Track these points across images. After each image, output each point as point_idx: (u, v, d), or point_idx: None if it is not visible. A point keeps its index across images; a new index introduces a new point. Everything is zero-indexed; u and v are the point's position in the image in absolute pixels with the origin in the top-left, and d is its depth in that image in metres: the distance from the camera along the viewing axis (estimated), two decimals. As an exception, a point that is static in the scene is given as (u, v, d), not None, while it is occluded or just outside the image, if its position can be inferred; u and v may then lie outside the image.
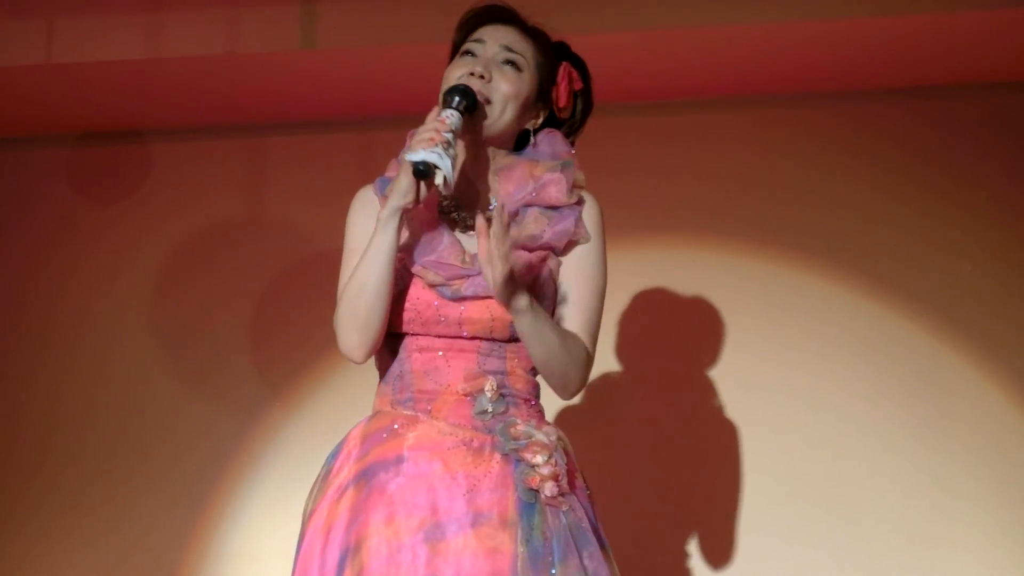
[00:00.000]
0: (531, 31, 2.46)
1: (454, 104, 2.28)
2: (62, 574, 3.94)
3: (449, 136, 2.23)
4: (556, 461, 2.25)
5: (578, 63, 2.52)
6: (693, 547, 3.81)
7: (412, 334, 2.33)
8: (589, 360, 2.33)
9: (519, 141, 2.46)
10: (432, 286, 2.30)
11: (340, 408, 3.90)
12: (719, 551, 3.80)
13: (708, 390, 3.88)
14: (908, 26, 3.64)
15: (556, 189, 2.36)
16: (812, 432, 3.84)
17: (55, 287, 4.12)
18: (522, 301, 2.23)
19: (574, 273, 2.37)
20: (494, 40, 2.41)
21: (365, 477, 2.26)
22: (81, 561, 3.93)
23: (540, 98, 2.45)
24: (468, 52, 2.41)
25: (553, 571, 2.19)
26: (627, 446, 3.88)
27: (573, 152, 2.45)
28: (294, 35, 3.71)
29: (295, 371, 3.96)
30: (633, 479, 3.85)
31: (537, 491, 2.23)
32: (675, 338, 3.92)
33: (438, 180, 2.21)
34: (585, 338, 2.34)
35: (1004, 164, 3.94)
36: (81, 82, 3.84)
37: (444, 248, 2.31)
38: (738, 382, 3.87)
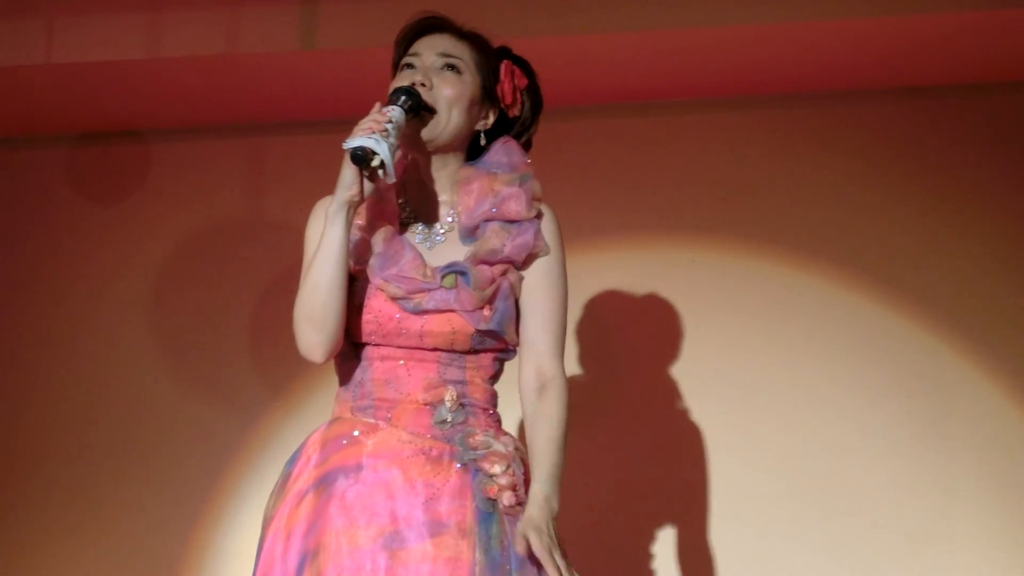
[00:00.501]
0: (466, 35, 2.47)
1: (399, 102, 2.30)
2: (62, 574, 3.94)
3: (389, 127, 2.25)
4: (514, 471, 2.29)
5: (520, 62, 2.53)
6: (693, 547, 3.81)
7: (373, 344, 2.35)
8: (566, 388, 2.38)
9: (474, 149, 2.48)
10: (394, 299, 2.32)
11: (340, 408, 3.91)
12: (719, 551, 3.80)
13: (708, 390, 3.88)
14: (908, 26, 3.64)
15: (516, 204, 2.37)
16: (812, 432, 3.84)
17: (55, 287, 4.12)
18: (546, 493, 2.28)
19: (537, 287, 2.39)
20: (430, 50, 2.43)
21: (325, 483, 2.28)
22: (81, 561, 3.93)
23: (486, 98, 2.45)
24: (407, 66, 2.43)
25: None
26: (627, 446, 3.88)
27: (529, 162, 2.46)
28: (294, 35, 3.71)
29: (295, 371, 3.95)
30: (633, 479, 3.86)
31: (495, 500, 2.27)
32: (675, 338, 3.92)
33: (375, 163, 2.23)
34: (556, 351, 2.38)
35: (1004, 164, 3.94)
36: (81, 82, 3.84)
37: (406, 262, 2.33)
38: (738, 382, 3.88)
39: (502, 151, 2.46)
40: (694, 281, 3.93)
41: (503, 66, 2.48)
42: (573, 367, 3.91)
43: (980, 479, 3.78)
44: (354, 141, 2.24)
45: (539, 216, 2.40)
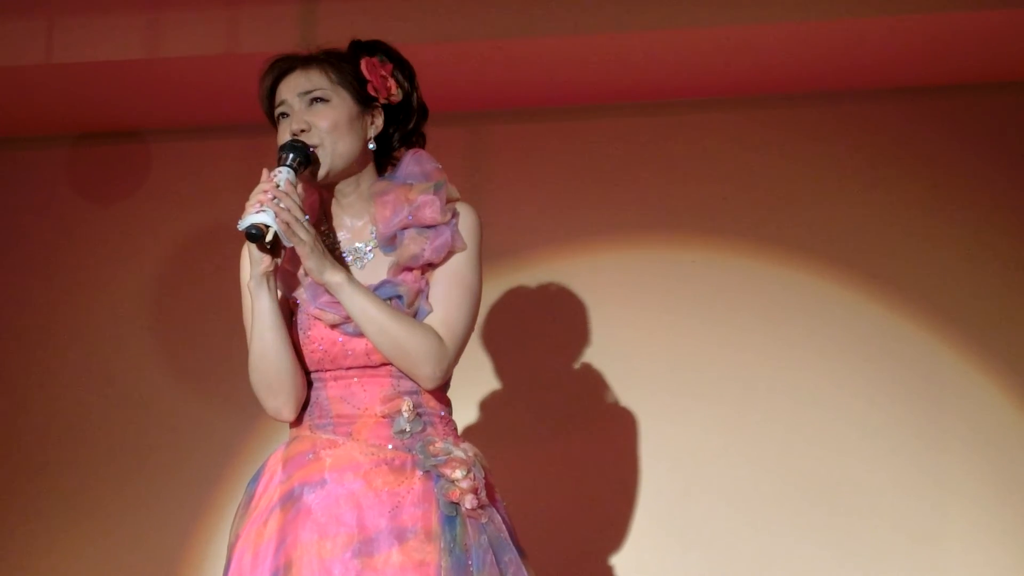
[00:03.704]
0: (314, 61, 2.48)
1: (288, 161, 2.36)
2: (63, 574, 3.94)
3: (280, 191, 2.31)
4: (475, 475, 2.34)
5: (372, 50, 2.52)
6: (693, 546, 3.81)
7: (325, 370, 2.40)
8: (443, 352, 2.36)
9: (382, 157, 2.52)
10: (334, 326, 2.37)
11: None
12: (719, 550, 3.80)
13: (708, 390, 3.88)
14: (908, 26, 3.64)
15: (431, 210, 2.41)
16: (812, 431, 3.84)
17: (55, 287, 4.12)
18: (336, 276, 2.33)
19: (442, 273, 2.42)
20: (291, 93, 2.45)
21: (292, 498, 2.33)
22: (82, 561, 3.93)
23: (364, 105, 2.47)
24: (281, 115, 2.46)
25: None
26: (626, 446, 3.88)
27: (441, 168, 2.49)
28: (294, 35, 3.71)
29: (295, 371, 3.96)
30: (633, 478, 3.85)
31: (458, 504, 2.32)
32: (675, 338, 3.92)
33: (269, 237, 2.31)
34: (441, 330, 2.37)
35: (1004, 164, 3.94)
36: (81, 82, 3.84)
37: None
38: (738, 381, 3.88)
39: (413, 161, 2.50)
40: (694, 281, 3.93)
41: (363, 66, 2.48)
42: (573, 367, 3.91)
43: (979, 478, 3.79)
44: (244, 221, 2.33)
45: (455, 216, 2.44)
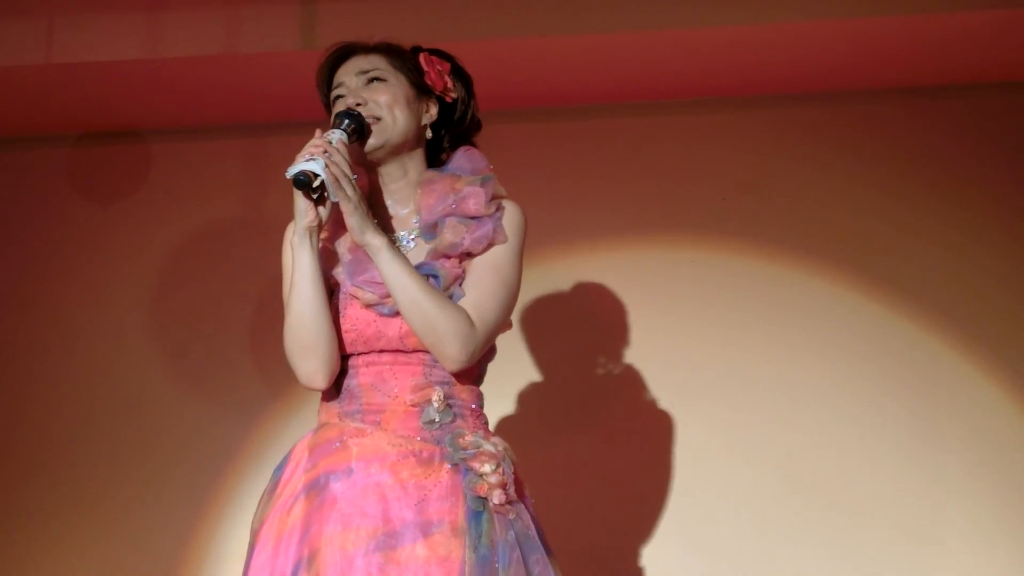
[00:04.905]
0: (374, 48, 2.52)
1: (342, 125, 2.37)
2: (63, 574, 3.94)
3: (330, 147, 2.31)
4: (503, 470, 2.31)
5: (434, 51, 2.57)
6: (693, 546, 3.81)
7: (358, 353, 2.39)
8: (471, 334, 2.33)
9: (434, 154, 2.53)
10: (369, 306, 2.36)
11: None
12: (719, 550, 3.80)
13: (708, 390, 3.88)
14: (908, 26, 3.64)
15: (475, 201, 2.41)
16: (812, 432, 3.84)
17: (55, 287, 4.12)
18: (376, 239, 2.32)
19: (480, 261, 2.40)
20: (349, 74, 2.48)
21: (316, 487, 2.31)
22: (82, 561, 3.93)
23: (420, 92, 2.50)
24: (337, 98, 2.48)
25: None
26: (627, 445, 3.88)
27: (491, 167, 2.50)
28: (294, 35, 3.71)
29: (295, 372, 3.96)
30: (633, 478, 3.86)
31: (485, 499, 2.29)
32: (675, 338, 3.92)
33: (316, 184, 2.30)
34: (472, 313, 2.35)
35: (1004, 164, 3.95)
36: (81, 82, 3.84)
37: (375, 268, 2.36)
38: (738, 382, 3.88)
39: (464, 158, 2.51)
40: (694, 281, 3.93)
41: (421, 58, 2.52)
42: (574, 366, 3.91)
43: (979, 477, 3.79)
44: (294, 168, 2.32)
45: (500, 210, 2.43)
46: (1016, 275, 3.89)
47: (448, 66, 2.55)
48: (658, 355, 3.90)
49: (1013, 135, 3.96)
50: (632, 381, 3.90)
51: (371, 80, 2.46)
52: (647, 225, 3.98)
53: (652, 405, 3.89)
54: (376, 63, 2.48)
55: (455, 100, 2.54)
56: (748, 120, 4.02)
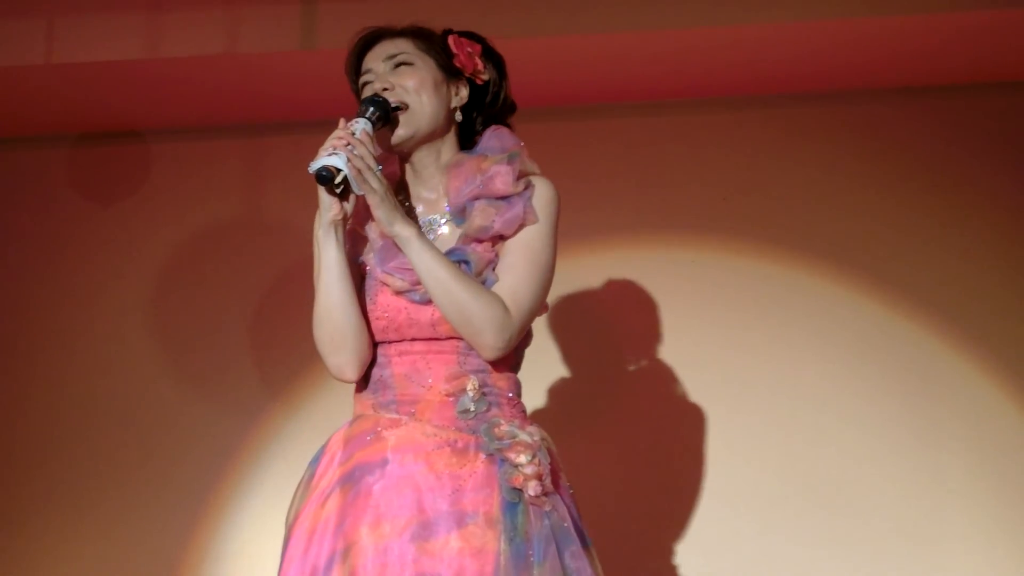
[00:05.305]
0: (401, 32, 2.49)
1: (367, 114, 2.34)
2: (63, 574, 3.93)
3: (355, 139, 2.28)
4: (539, 460, 2.28)
5: (464, 33, 2.54)
6: (693, 546, 3.81)
7: (389, 341, 2.36)
8: (506, 321, 2.30)
9: (465, 135, 2.49)
10: (400, 293, 2.33)
11: (340, 409, 3.87)
12: (719, 550, 3.80)
13: (708, 390, 3.88)
14: (908, 26, 3.64)
15: (501, 181, 2.37)
16: (812, 432, 3.84)
17: (55, 287, 4.12)
18: (406, 229, 2.28)
19: (513, 244, 2.37)
20: (376, 60, 2.46)
21: (351, 480, 2.29)
22: (82, 561, 3.93)
23: (450, 75, 2.47)
24: (364, 84, 2.46)
25: (534, 571, 2.22)
26: (627, 445, 3.88)
27: (521, 144, 2.46)
28: (294, 35, 3.71)
29: (295, 372, 3.96)
30: (633, 478, 3.86)
31: (521, 490, 2.26)
32: (675, 338, 3.92)
33: (339, 180, 2.27)
34: (507, 299, 2.31)
35: (1004, 164, 3.94)
36: (81, 82, 3.83)
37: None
38: (739, 381, 3.88)
39: (493, 137, 2.47)
40: (695, 281, 3.93)
41: (451, 40, 2.49)
42: (573, 366, 3.91)
43: (978, 477, 3.79)
44: (316, 163, 2.28)
45: (529, 188, 2.39)
46: (1016, 275, 3.89)
47: (479, 48, 2.51)
48: (657, 355, 3.90)
49: (1013, 135, 3.96)
50: (631, 381, 3.90)
51: (398, 65, 2.43)
52: (648, 225, 3.98)
53: (651, 405, 3.88)
54: (403, 47, 2.45)
55: (486, 82, 2.50)
56: (748, 120, 4.02)
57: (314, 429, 3.89)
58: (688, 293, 3.93)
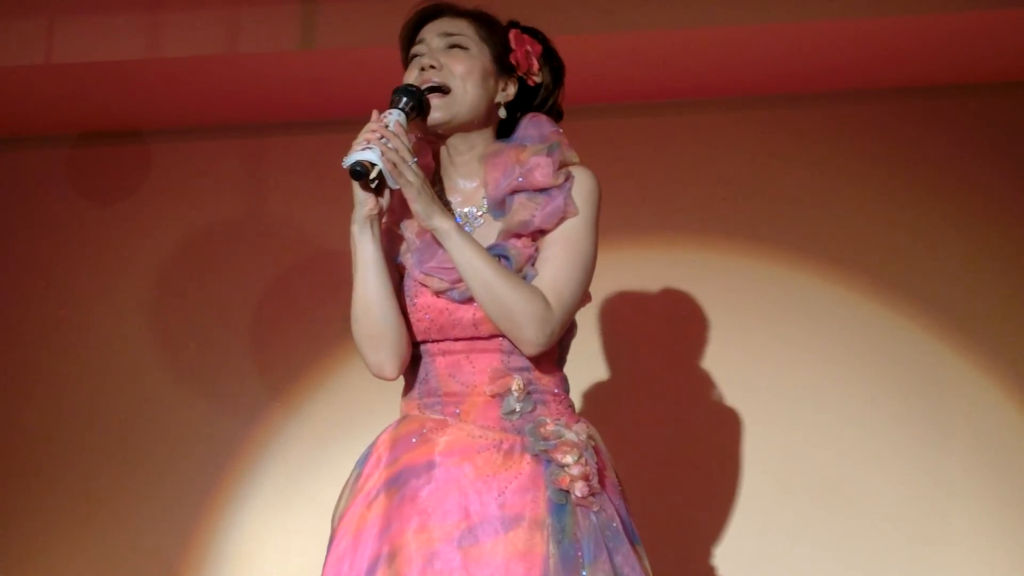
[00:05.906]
0: (466, 13, 2.43)
1: (400, 104, 2.28)
2: (63, 574, 3.93)
3: (389, 131, 2.23)
4: (586, 460, 2.24)
5: (529, 30, 2.49)
6: (693, 547, 3.80)
7: (432, 341, 2.32)
8: (548, 316, 2.26)
9: (505, 130, 2.43)
10: (440, 293, 2.29)
11: (340, 409, 3.91)
12: (719, 550, 3.80)
13: (708, 390, 3.88)
14: (908, 26, 3.64)
15: (541, 173, 2.32)
16: (812, 432, 3.84)
17: (55, 287, 4.12)
18: (445, 222, 2.24)
19: (553, 237, 2.32)
20: (432, 33, 2.39)
21: (396, 484, 2.25)
22: (82, 561, 3.93)
23: (501, 70, 2.41)
24: (414, 56, 2.40)
25: (584, 572, 2.18)
26: (626, 446, 3.86)
27: (560, 132, 2.41)
28: (294, 35, 3.71)
29: (295, 372, 3.96)
30: (633, 478, 3.85)
31: (568, 491, 2.22)
32: (675, 338, 3.92)
33: (373, 175, 2.22)
34: (549, 293, 2.27)
35: (1004, 164, 3.94)
36: (81, 82, 3.83)
37: (444, 252, 2.28)
38: (738, 382, 3.88)
39: (531, 125, 2.41)
40: (696, 281, 3.93)
41: (512, 35, 2.43)
42: (572, 366, 3.90)
43: (979, 478, 3.79)
44: (349, 158, 2.23)
45: (569, 179, 2.34)
46: (1016, 275, 3.89)
47: (539, 48, 2.46)
48: (658, 355, 3.90)
49: (1013, 135, 3.96)
50: (630, 381, 3.90)
51: (452, 46, 2.37)
52: (648, 225, 3.98)
53: (651, 405, 3.88)
54: (462, 28, 2.39)
55: (538, 85, 2.45)
56: (748, 120, 4.02)
57: (314, 430, 3.92)
58: (689, 294, 3.93)
